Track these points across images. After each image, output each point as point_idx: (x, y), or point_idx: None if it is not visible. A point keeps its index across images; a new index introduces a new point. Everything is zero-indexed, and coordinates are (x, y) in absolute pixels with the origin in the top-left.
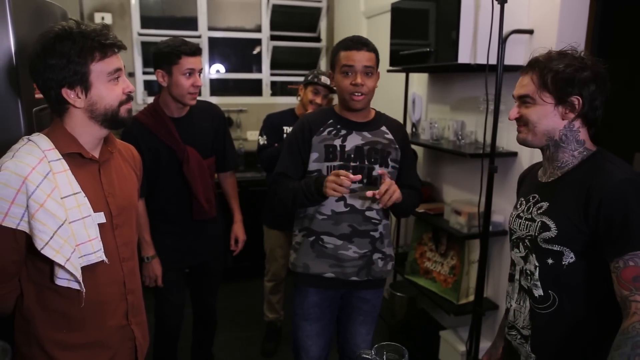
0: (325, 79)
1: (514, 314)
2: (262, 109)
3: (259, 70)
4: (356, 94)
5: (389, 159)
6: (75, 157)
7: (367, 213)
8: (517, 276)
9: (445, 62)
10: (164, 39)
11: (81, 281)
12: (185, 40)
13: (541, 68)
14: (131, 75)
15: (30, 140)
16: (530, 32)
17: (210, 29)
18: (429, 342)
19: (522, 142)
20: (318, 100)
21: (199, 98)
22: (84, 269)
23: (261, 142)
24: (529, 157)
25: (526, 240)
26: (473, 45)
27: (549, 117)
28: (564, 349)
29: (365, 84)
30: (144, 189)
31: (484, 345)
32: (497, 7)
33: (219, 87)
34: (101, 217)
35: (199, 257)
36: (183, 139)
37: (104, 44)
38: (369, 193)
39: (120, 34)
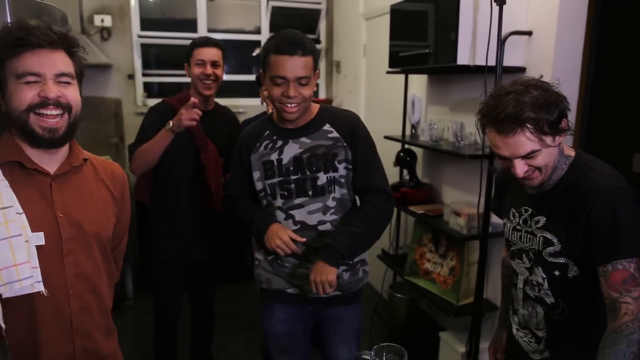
0: None
1: (524, 318)
2: (261, 111)
3: None
4: (289, 104)
5: (335, 162)
6: (17, 168)
7: (321, 227)
8: (520, 285)
9: (444, 63)
10: (164, 41)
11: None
12: (207, 36)
13: (532, 123)
14: (131, 77)
15: None
16: (529, 33)
17: (210, 30)
18: (428, 343)
19: (540, 184)
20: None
21: (222, 103)
22: (16, 300)
23: None
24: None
25: (530, 253)
26: (472, 46)
27: (553, 152)
28: (578, 348)
29: (299, 94)
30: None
31: (484, 346)
32: (495, 8)
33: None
34: (40, 239)
35: (200, 253)
36: (204, 130)
37: (12, 42)
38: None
39: (120, 36)
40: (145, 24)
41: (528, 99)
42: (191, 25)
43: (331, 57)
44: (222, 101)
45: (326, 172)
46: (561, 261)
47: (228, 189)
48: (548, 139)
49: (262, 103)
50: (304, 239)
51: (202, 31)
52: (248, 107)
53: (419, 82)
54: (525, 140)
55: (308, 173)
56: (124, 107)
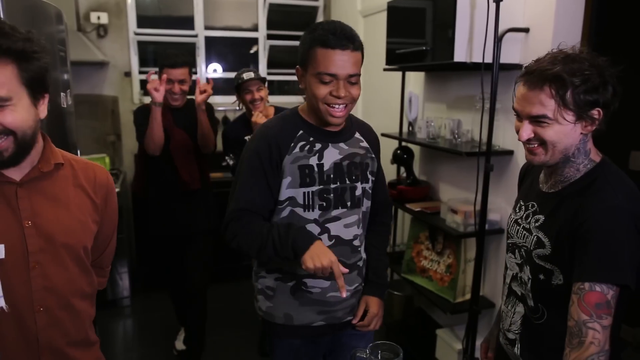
0: (248, 74)
1: (503, 316)
2: (241, 112)
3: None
4: (336, 106)
5: (368, 173)
6: None
7: (355, 242)
8: (507, 280)
9: (441, 60)
10: (160, 38)
11: None
12: (176, 53)
13: (556, 83)
14: (127, 75)
15: None
16: (526, 30)
17: (207, 28)
18: (425, 340)
19: (539, 163)
20: (256, 95)
21: (219, 101)
22: None
23: (231, 163)
24: (525, 155)
25: (522, 250)
26: (469, 43)
27: (569, 135)
28: (556, 356)
29: (348, 94)
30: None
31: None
32: (492, 5)
33: (215, 86)
34: None
35: (187, 227)
36: (176, 123)
37: None
38: (355, 321)
39: (117, 34)
40: (142, 21)
41: (571, 64)
42: (188, 23)
43: None
44: (219, 99)
45: (362, 182)
46: (547, 267)
47: (235, 201)
48: (568, 115)
49: (239, 108)
50: (347, 270)
51: (199, 29)
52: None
53: (416, 80)
54: (541, 100)
55: (348, 182)
56: (120, 105)
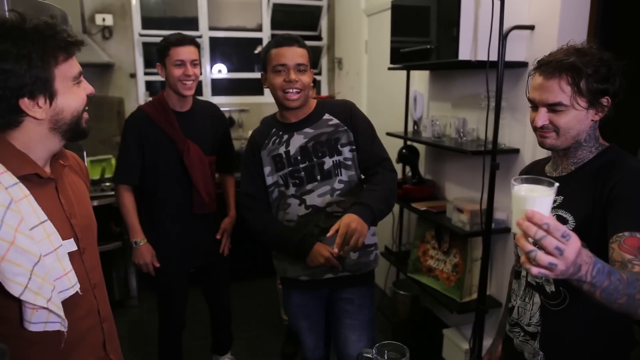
0: None
1: (518, 311)
2: (264, 109)
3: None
4: (290, 90)
5: (338, 146)
6: (31, 179)
7: (329, 209)
8: (524, 273)
9: (446, 59)
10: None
11: (64, 318)
12: (181, 33)
13: (572, 72)
14: (132, 76)
15: None
16: (531, 27)
17: (211, 28)
18: (432, 340)
19: (551, 147)
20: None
21: (201, 98)
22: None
23: None
24: (531, 153)
25: None
26: (474, 41)
27: (582, 121)
28: (574, 348)
29: (299, 80)
30: (135, 176)
31: (487, 342)
32: (497, 2)
33: (220, 86)
34: (72, 245)
35: (203, 257)
36: (184, 132)
37: (68, 42)
38: (329, 248)
39: (122, 35)
40: (147, 23)
41: (584, 57)
42: (192, 24)
43: (333, 54)
44: (224, 99)
45: (331, 156)
46: None
47: (242, 187)
48: (581, 102)
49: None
50: (336, 251)
51: (203, 29)
52: (250, 104)
53: (420, 78)
54: (557, 88)
55: (315, 160)
56: (126, 106)
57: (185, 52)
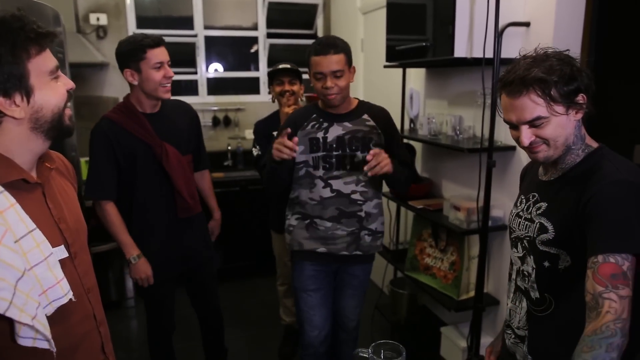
0: (284, 65)
1: (510, 313)
2: (260, 108)
3: (257, 69)
4: (328, 95)
5: (370, 144)
6: (17, 186)
7: (353, 196)
8: (514, 275)
9: (441, 56)
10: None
11: (51, 339)
12: (146, 34)
13: (539, 85)
14: None
15: None
16: (527, 24)
17: (207, 27)
18: (430, 338)
19: (545, 159)
20: (287, 87)
21: (221, 101)
22: (53, 314)
23: (255, 153)
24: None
25: (524, 241)
26: (469, 39)
27: (566, 126)
28: (562, 353)
29: (335, 85)
30: (113, 190)
31: (485, 340)
32: (492, 0)
33: (216, 86)
34: (63, 252)
35: (190, 260)
36: (159, 134)
37: (39, 33)
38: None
39: (116, 35)
40: (142, 22)
41: (543, 65)
42: (187, 23)
43: None
44: (220, 98)
45: (363, 151)
46: (552, 251)
47: (266, 158)
48: (559, 108)
49: (272, 101)
50: (296, 139)
51: (198, 28)
52: (247, 103)
53: (416, 76)
54: (530, 104)
55: (348, 151)
56: None
57: (163, 53)
